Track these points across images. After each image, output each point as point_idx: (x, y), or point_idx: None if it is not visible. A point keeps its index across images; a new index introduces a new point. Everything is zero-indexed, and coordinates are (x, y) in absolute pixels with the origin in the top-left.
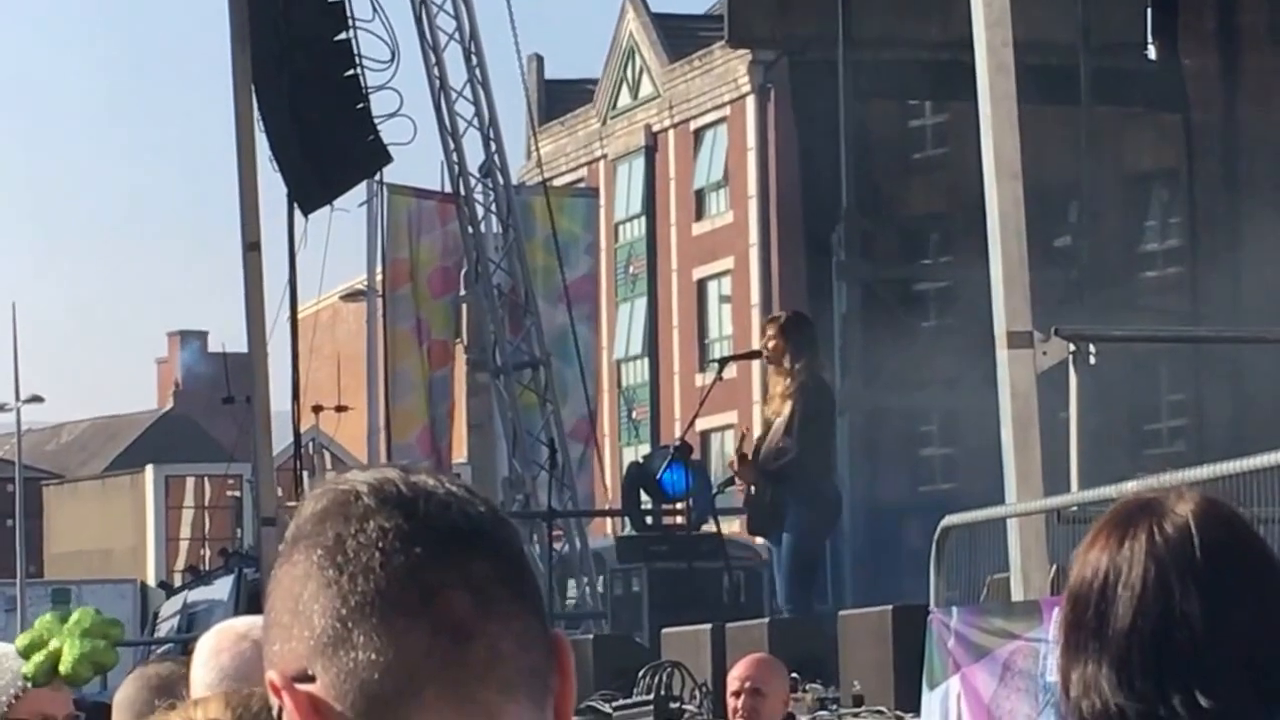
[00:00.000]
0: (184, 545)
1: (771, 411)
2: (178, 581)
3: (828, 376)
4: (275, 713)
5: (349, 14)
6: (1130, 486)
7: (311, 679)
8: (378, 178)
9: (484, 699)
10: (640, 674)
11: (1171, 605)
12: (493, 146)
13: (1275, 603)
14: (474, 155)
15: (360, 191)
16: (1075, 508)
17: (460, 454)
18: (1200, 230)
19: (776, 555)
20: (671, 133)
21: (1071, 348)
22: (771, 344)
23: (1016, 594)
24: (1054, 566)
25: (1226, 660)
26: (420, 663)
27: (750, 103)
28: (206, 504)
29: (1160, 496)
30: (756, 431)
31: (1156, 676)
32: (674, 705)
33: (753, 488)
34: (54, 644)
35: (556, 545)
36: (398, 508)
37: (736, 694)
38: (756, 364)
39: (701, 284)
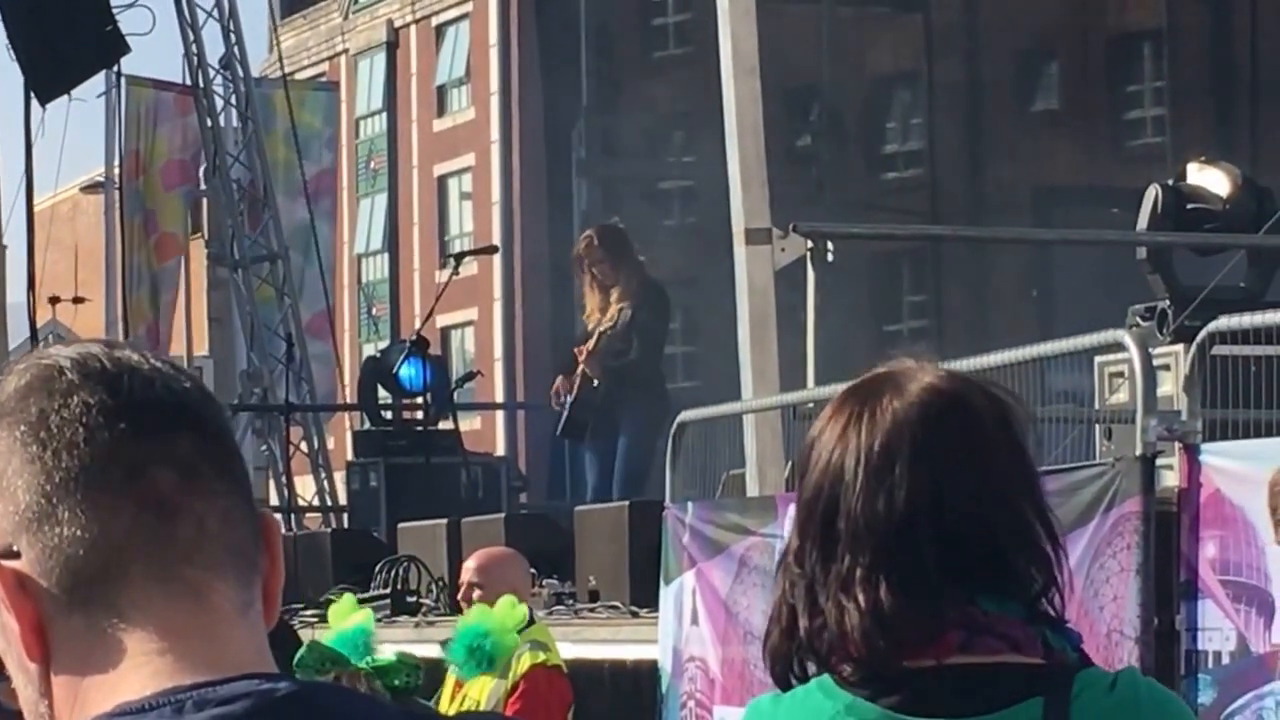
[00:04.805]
0: None
1: (607, 317)
2: None
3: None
4: None
5: None
6: None
7: (16, 555)
8: (116, 68)
9: (190, 576)
10: (377, 568)
11: (890, 487)
12: (233, 39)
13: (995, 485)
14: (214, 48)
15: (99, 82)
16: (811, 404)
17: (202, 348)
18: (940, 132)
19: (590, 458)
20: (413, 28)
21: (809, 244)
22: (596, 260)
23: (752, 490)
24: (789, 463)
25: (933, 548)
26: (125, 540)
27: None
28: None
29: (901, 370)
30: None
31: (871, 564)
32: (410, 599)
33: (595, 383)
34: None
35: (294, 440)
36: (101, 383)
37: (461, 586)
38: (497, 262)
39: (442, 180)
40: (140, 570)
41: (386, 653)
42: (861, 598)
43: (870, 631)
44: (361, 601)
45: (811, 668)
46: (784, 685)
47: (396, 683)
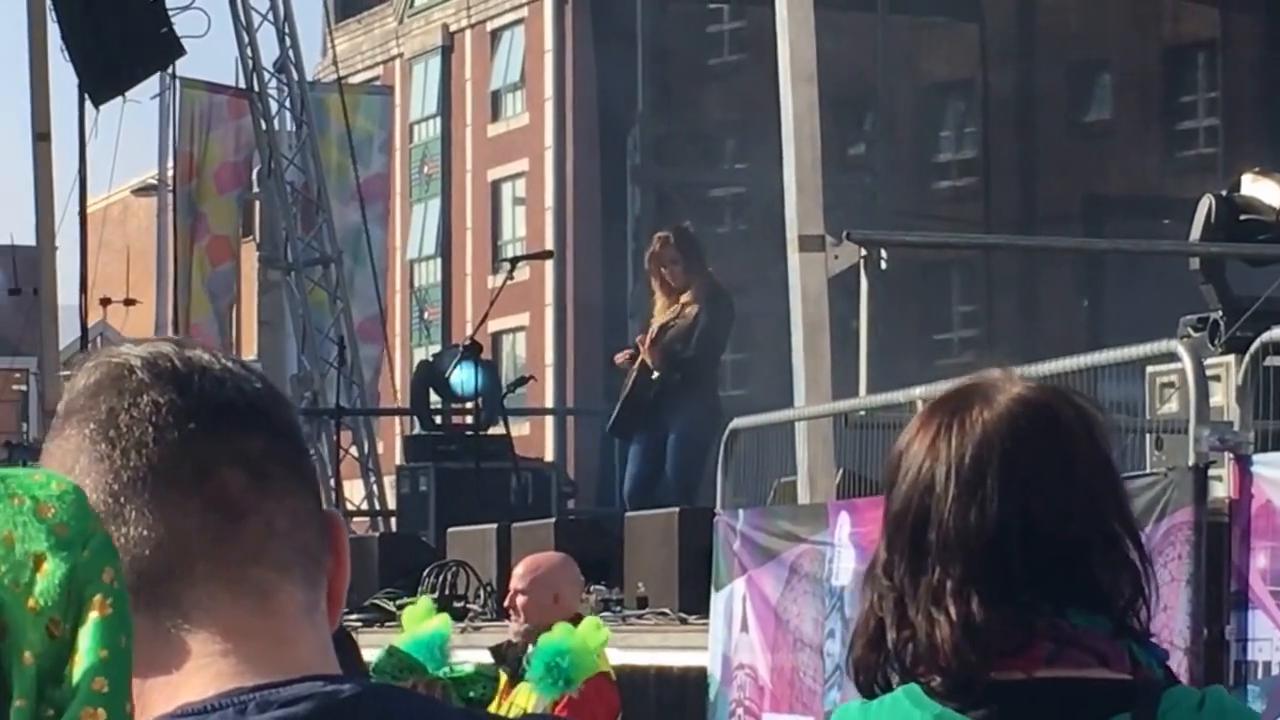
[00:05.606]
0: None
1: (673, 315)
2: None
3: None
4: None
5: None
6: (918, 392)
7: None
8: (171, 70)
9: (256, 577)
10: (425, 573)
11: (982, 499)
12: (287, 42)
13: (1084, 497)
14: (269, 50)
15: (153, 84)
16: (863, 412)
17: (251, 351)
18: (993, 141)
19: (635, 451)
20: (469, 33)
21: (863, 252)
22: (668, 260)
23: (803, 497)
24: (840, 470)
25: (1023, 560)
26: (192, 540)
27: (548, 4)
28: None
29: (989, 381)
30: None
31: (962, 576)
32: (458, 604)
33: (653, 375)
34: None
35: (344, 443)
36: (171, 382)
37: (509, 591)
38: (549, 267)
39: (496, 185)
40: (206, 570)
41: (460, 659)
42: (953, 610)
43: (961, 644)
44: (405, 607)
45: (895, 678)
46: (868, 695)
47: (472, 694)
